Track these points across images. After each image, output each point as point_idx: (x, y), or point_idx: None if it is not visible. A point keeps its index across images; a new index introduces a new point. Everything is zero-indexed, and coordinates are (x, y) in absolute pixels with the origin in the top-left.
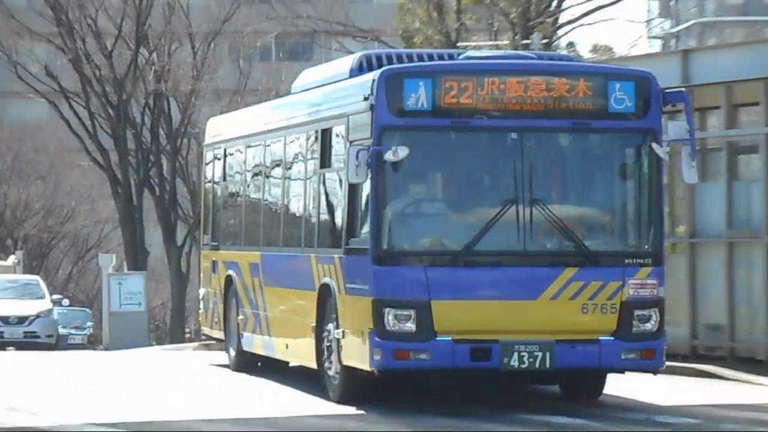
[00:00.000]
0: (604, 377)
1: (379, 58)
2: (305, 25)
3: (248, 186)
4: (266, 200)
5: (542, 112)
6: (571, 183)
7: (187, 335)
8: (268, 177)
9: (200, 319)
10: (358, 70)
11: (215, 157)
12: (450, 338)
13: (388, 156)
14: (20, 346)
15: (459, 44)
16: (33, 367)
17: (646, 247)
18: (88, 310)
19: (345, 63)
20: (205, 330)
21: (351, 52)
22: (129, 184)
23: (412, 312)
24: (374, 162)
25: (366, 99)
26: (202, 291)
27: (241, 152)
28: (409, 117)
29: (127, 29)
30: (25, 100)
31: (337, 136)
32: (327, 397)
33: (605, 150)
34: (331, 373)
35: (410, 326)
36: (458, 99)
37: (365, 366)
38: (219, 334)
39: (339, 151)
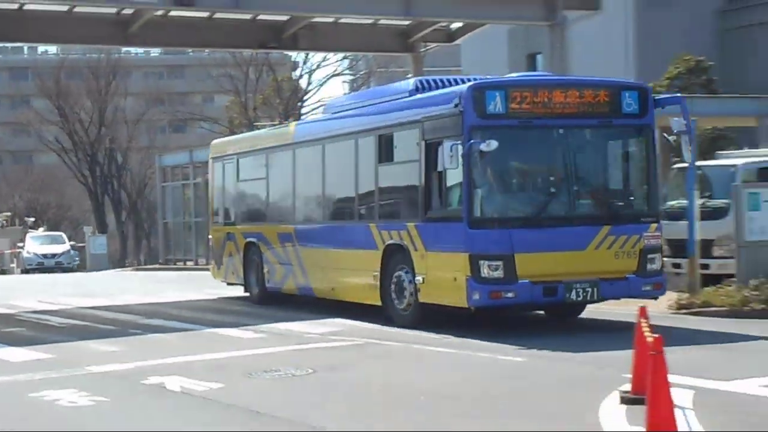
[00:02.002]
0: (584, 305)
1: (428, 81)
2: (182, 115)
3: (276, 181)
4: (303, 189)
5: (578, 114)
6: (600, 164)
7: (127, 263)
8: (304, 173)
9: (211, 271)
10: (415, 90)
11: (225, 165)
12: (527, 281)
13: (483, 147)
14: (51, 270)
15: (255, 123)
16: (59, 281)
17: (652, 209)
18: (78, 252)
19: (400, 87)
20: (217, 278)
21: (205, 129)
22: (97, 194)
23: (500, 263)
24: (467, 153)
25: (456, 106)
26: (214, 254)
27: (267, 158)
28: (489, 119)
29: (95, 117)
30: (45, 153)
31: (402, 138)
32: (316, 315)
33: (621, 140)
34: (401, 307)
35: (499, 273)
36: (521, 105)
37: (460, 304)
38: (233, 279)
39: (403, 149)
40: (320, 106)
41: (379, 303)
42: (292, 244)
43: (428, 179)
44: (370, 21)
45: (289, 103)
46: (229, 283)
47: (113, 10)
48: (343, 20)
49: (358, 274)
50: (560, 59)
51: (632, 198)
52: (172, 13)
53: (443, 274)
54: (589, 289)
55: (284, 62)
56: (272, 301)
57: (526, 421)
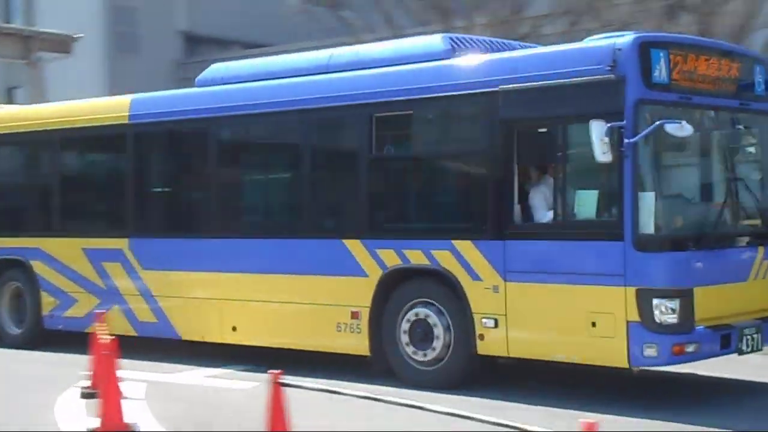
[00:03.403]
0: None
1: (462, 41)
2: None
3: (86, 173)
4: (156, 186)
5: (726, 92)
6: (746, 160)
7: None
8: (159, 165)
9: None
10: (452, 50)
11: None
12: (703, 327)
13: (674, 130)
14: None
15: None
16: None
17: None
18: None
19: (408, 50)
20: None
21: None
22: None
23: (677, 301)
24: (637, 140)
25: (611, 69)
26: None
27: (59, 144)
28: (655, 90)
29: None
30: None
31: (436, 116)
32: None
33: (757, 129)
34: (423, 359)
35: (674, 317)
36: (681, 74)
37: (608, 362)
38: None
39: (435, 132)
40: None
41: (366, 353)
42: (120, 264)
43: (507, 176)
44: None
45: None
46: None
47: None
48: None
49: (305, 310)
50: (39, 94)
51: None
52: None
53: (562, 318)
54: (756, 336)
55: None
56: (53, 343)
57: None
